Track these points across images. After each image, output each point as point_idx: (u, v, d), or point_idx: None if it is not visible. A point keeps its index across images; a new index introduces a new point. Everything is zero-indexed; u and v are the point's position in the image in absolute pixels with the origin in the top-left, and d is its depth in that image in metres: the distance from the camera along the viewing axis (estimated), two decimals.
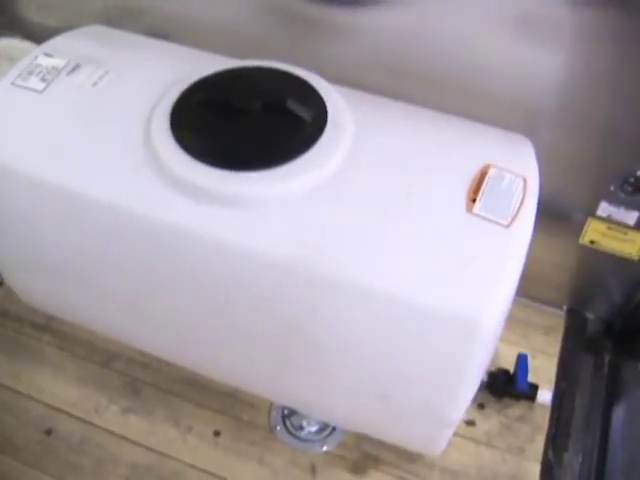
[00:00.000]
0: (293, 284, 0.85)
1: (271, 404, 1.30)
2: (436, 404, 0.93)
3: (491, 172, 0.86)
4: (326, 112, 0.90)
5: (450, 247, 0.81)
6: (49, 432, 1.26)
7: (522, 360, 1.27)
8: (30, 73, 1.03)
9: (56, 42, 1.10)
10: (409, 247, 0.82)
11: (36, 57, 1.05)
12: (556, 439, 1.26)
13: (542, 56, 1.02)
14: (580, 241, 1.24)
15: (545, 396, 1.27)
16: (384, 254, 0.81)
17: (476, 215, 0.82)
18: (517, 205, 0.83)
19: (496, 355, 1.27)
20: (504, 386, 1.28)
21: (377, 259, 0.81)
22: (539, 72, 1.04)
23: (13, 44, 1.25)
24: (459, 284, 0.79)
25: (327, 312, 0.86)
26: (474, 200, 0.83)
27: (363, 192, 0.85)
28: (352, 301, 0.83)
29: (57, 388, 1.30)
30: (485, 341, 0.82)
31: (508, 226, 0.82)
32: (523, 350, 1.28)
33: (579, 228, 1.22)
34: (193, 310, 0.97)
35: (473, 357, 0.84)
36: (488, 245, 0.81)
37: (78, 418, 1.28)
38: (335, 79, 0.97)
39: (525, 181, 0.86)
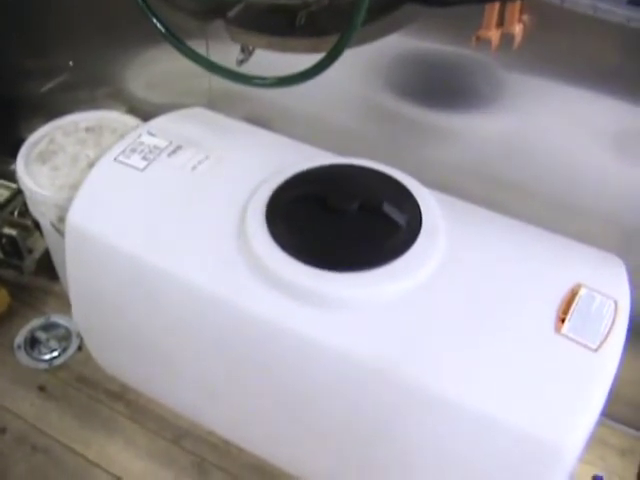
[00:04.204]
0: (376, 387, 0.84)
1: None
2: None
3: (582, 292, 0.85)
4: (421, 218, 0.91)
5: (536, 367, 0.80)
6: None
7: None
8: (133, 151, 1.06)
9: (160, 122, 1.14)
10: (495, 363, 0.81)
11: (140, 135, 1.09)
12: None
13: None
14: None
15: None
16: (469, 367, 0.81)
17: (564, 336, 0.81)
18: (607, 329, 0.82)
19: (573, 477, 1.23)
20: None
21: (462, 372, 0.81)
22: (638, 192, 1.03)
23: (117, 117, 1.30)
24: (543, 407, 0.77)
25: (407, 418, 0.85)
26: (563, 320, 0.82)
27: (453, 303, 0.85)
28: (432, 410, 0.82)
29: (126, 460, 1.29)
30: (566, 466, 0.79)
31: (596, 350, 0.80)
32: (599, 471, 1.23)
33: None
34: (269, 402, 0.97)
35: None
36: (575, 368, 0.79)
37: None
38: (430, 181, 0.98)
39: (616, 303, 0.85)
